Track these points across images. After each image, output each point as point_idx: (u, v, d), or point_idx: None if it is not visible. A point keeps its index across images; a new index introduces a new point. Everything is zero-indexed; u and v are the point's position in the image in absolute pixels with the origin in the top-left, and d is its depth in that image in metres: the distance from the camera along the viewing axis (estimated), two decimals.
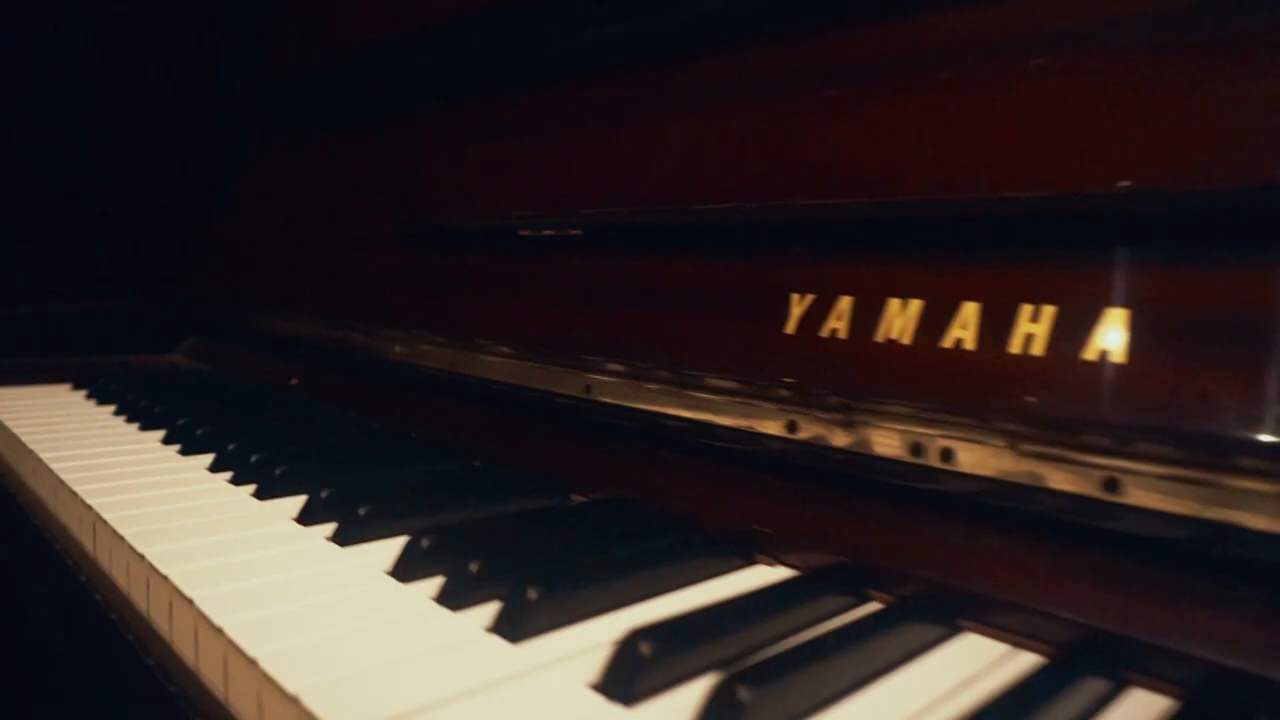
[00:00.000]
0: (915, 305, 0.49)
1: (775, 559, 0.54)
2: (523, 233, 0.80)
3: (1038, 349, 0.44)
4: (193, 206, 1.64)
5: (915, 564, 0.48)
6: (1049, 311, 0.44)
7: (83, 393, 1.09)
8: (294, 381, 1.09)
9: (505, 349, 0.78)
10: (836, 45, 0.63)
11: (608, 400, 0.67)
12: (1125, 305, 0.42)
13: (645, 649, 0.37)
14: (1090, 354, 0.42)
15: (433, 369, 0.88)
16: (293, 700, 0.36)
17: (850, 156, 0.55)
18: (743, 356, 0.58)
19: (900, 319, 0.50)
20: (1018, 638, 0.44)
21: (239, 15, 1.63)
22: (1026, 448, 0.44)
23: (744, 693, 0.33)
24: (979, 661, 0.42)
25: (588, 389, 0.69)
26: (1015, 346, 0.45)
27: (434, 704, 0.35)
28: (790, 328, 0.55)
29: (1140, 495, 0.42)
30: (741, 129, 0.65)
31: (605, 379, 0.68)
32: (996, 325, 0.46)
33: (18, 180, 1.47)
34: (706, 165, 0.66)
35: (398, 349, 0.94)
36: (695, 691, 0.35)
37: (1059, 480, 0.43)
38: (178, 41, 1.64)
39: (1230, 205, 0.41)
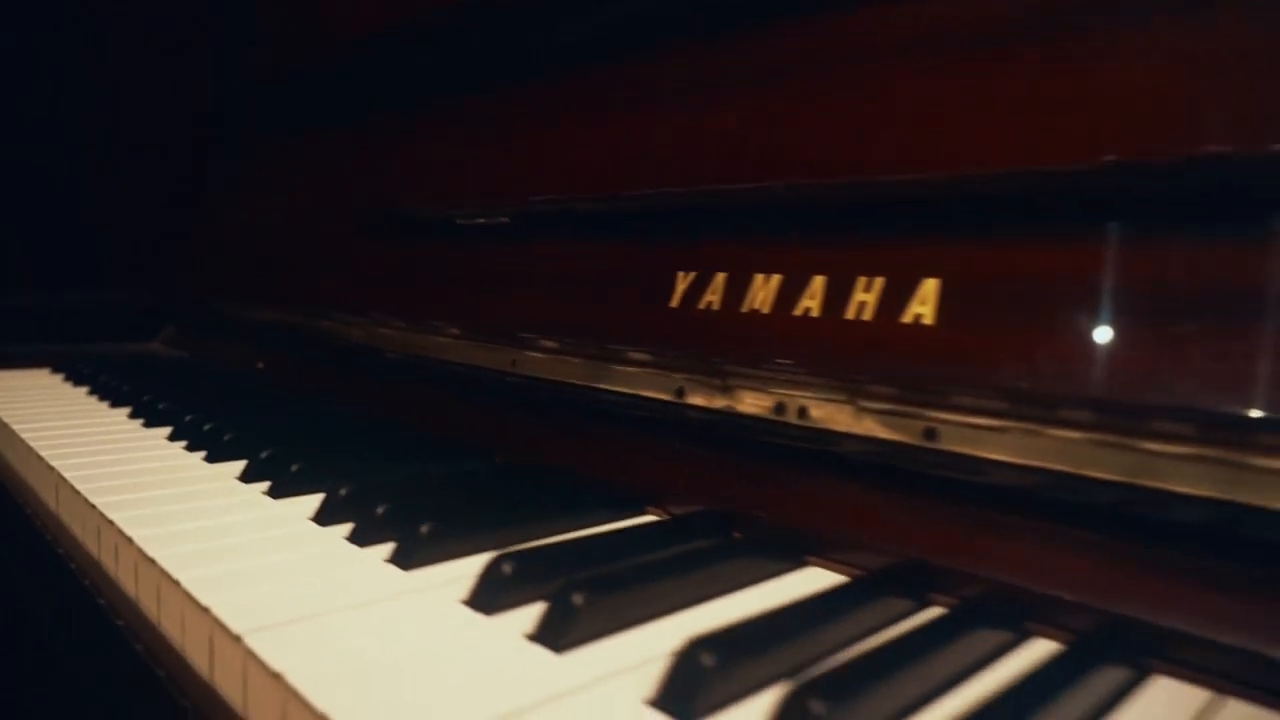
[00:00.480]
0: (775, 279, 0.56)
1: (663, 510, 0.60)
2: (459, 222, 0.87)
3: (868, 315, 0.50)
4: (173, 204, 1.70)
5: (771, 508, 0.54)
6: (879, 282, 0.50)
7: (60, 376, 1.15)
8: (260, 365, 1.16)
9: (454, 330, 0.84)
10: (700, 58, 0.69)
11: (530, 374, 0.74)
12: (939, 276, 0.48)
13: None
14: (909, 318, 0.49)
15: (362, 343, 0.94)
16: (204, 610, 0.42)
17: (722, 152, 0.61)
18: (644, 330, 0.64)
19: (763, 291, 0.56)
20: (851, 569, 0.50)
21: (219, 26, 1.69)
22: (864, 404, 0.51)
23: None
24: (809, 587, 0.48)
25: (514, 363, 0.76)
26: (850, 313, 0.51)
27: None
28: (674, 302, 0.61)
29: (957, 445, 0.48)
30: (637, 129, 0.71)
31: (532, 354, 0.74)
32: (838, 295, 0.52)
33: (5, 180, 1.53)
34: (617, 160, 0.72)
35: (355, 333, 1.00)
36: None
37: (886, 431, 0.49)
38: (162, 49, 1.70)
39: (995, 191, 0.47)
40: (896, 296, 0.49)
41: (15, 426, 0.82)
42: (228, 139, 1.64)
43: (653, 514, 0.60)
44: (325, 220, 1.17)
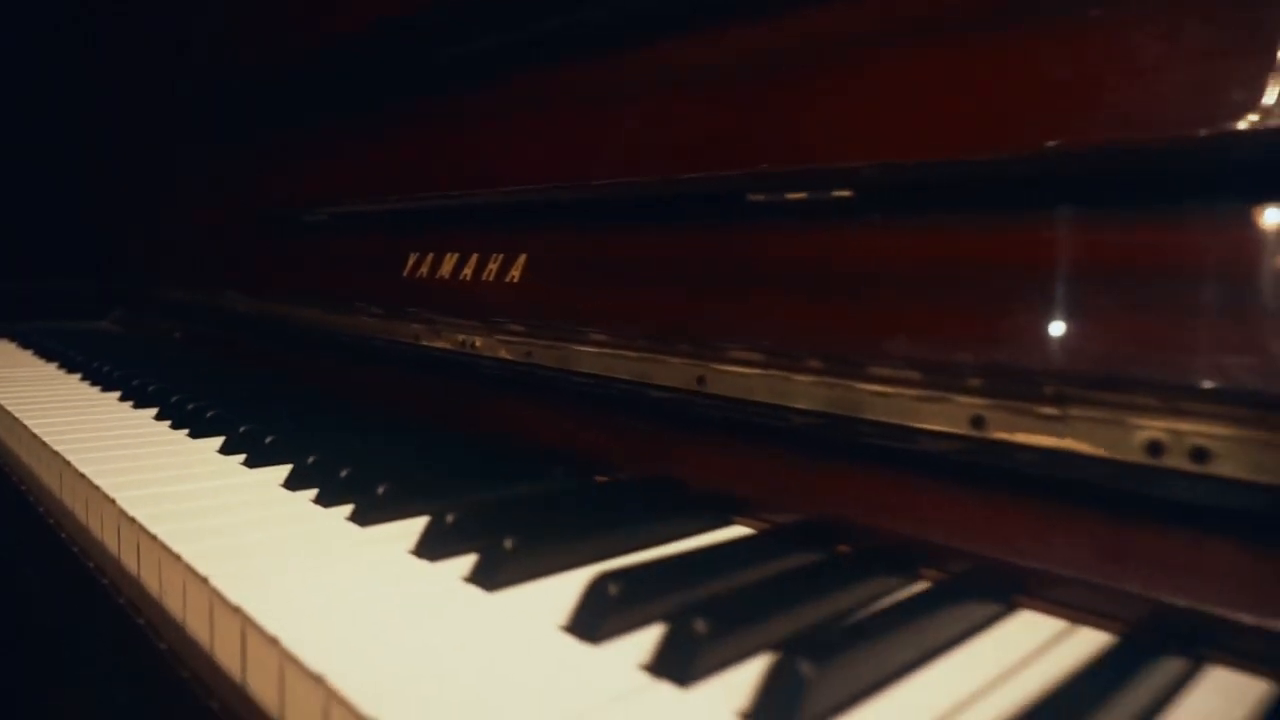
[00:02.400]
0: (455, 256, 0.86)
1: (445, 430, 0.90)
2: (322, 218, 1.16)
3: (490, 278, 0.80)
4: (121, 202, 1.99)
5: (466, 415, 0.84)
6: (499, 256, 0.80)
7: (15, 343, 1.46)
8: (177, 336, 1.46)
9: (316, 306, 1.14)
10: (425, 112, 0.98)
11: (333, 328, 1.04)
12: (526, 252, 0.78)
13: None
14: (508, 280, 0.79)
15: (248, 314, 1.25)
16: (135, 523, 0.72)
17: (431, 170, 0.91)
18: (386, 291, 0.94)
19: (448, 264, 0.86)
20: (513, 438, 0.80)
21: (157, 46, 1.97)
22: (499, 337, 0.81)
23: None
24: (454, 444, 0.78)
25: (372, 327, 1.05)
26: (487, 276, 0.81)
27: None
28: (405, 272, 0.91)
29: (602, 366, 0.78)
30: (394, 152, 1.01)
31: (368, 319, 1.04)
32: (481, 265, 0.82)
33: None
34: (383, 174, 1.01)
35: (240, 307, 1.30)
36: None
37: (509, 354, 0.80)
38: (114, 71, 1.98)
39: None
40: (501, 264, 0.79)
41: None
42: (164, 146, 1.93)
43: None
44: (233, 218, 1.47)
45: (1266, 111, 0.40)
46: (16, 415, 0.92)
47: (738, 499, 0.59)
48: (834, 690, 0.34)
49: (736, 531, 0.57)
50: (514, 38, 0.87)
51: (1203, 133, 0.41)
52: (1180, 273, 0.42)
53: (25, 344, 1.46)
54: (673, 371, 0.64)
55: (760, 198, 0.60)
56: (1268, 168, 0.41)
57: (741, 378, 0.60)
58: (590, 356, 0.71)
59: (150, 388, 0.97)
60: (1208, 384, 0.41)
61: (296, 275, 1.17)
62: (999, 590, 0.46)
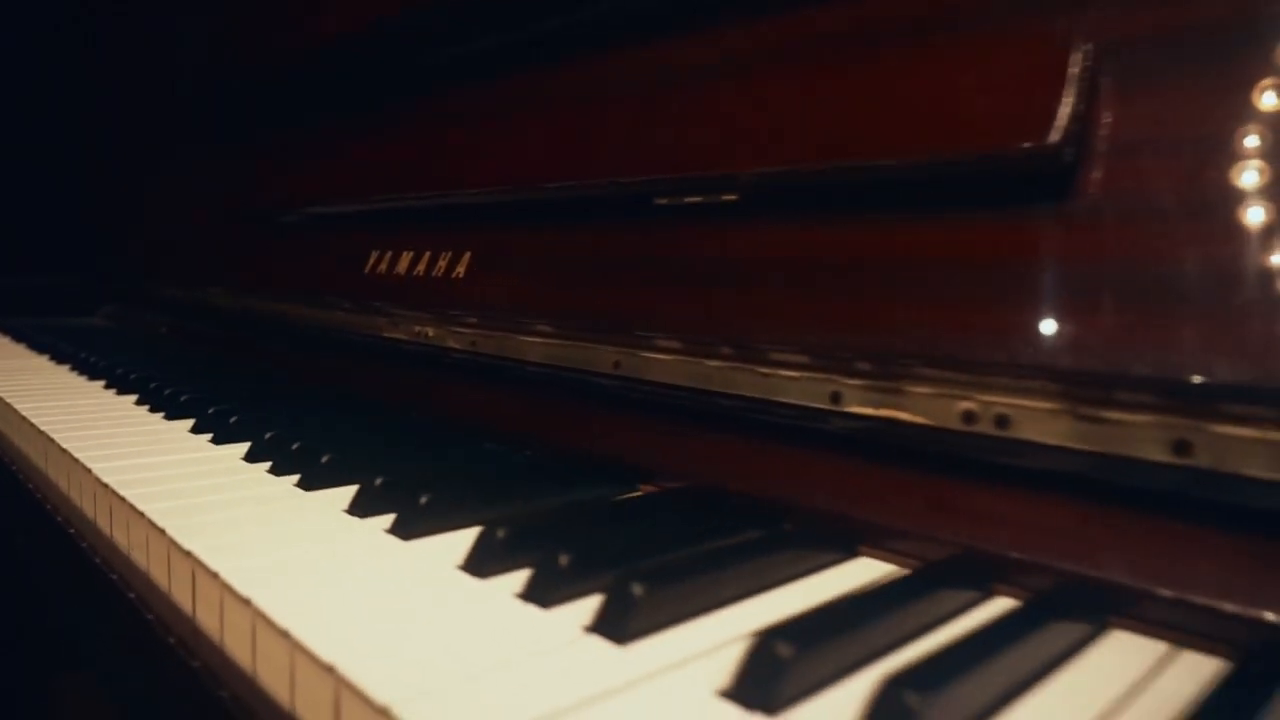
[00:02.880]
0: (409, 254, 0.93)
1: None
2: (296, 218, 1.24)
3: (440, 273, 0.88)
4: (112, 203, 2.07)
5: (419, 398, 0.92)
6: (447, 254, 0.88)
7: (9, 337, 1.53)
8: (164, 330, 1.53)
9: (290, 301, 1.21)
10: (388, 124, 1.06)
11: (310, 321, 1.11)
12: (470, 250, 0.86)
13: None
14: (455, 275, 0.86)
15: (229, 309, 1.32)
16: (109, 489, 0.79)
17: (387, 177, 0.99)
18: (353, 286, 1.01)
19: (404, 261, 0.93)
20: (445, 415, 0.88)
21: (152, 48, 2.04)
22: (453, 329, 0.88)
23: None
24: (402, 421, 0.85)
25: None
26: (437, 272, 0.88)
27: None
28: (366, 269, 0.98)
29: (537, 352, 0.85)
30: (358, 160, 1.08)
31: (337, 314, 1.12)
32: (431, 262, 0.89)
33: None
34: (352, 180, 1.09)
35: (222, 303, 1.37)
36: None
37: (457, 343, 0.87)
38: (106, 80, 2.05)
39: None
40: (449, 261, 0.87)
41: None
42: (151, 147, 2.00)
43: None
44: (214, 217, 1.54)
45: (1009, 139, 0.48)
46: (9, 401, 0.99)
47: (642, 469, 0.66)
48: (662, 610, 0.41)
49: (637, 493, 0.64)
50: (450, 58, 0.95)
51: (1004, 151, 0.49)
52: (977, 266, 0.50)
53: (19, 338, 1.53)
54: (592, 355, 0.72)
55: (664, 200, 0.68)
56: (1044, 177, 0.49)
57: (658, 363, 0.67)
58: (526, 345, 0.79)
59: (131, 376, 1.05)
60: (1008, 362, 0.48)
61: (273, 272, 1.24)
62: (846, 541, 0.53)
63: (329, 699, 0.36)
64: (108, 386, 1.08)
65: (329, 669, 0.36)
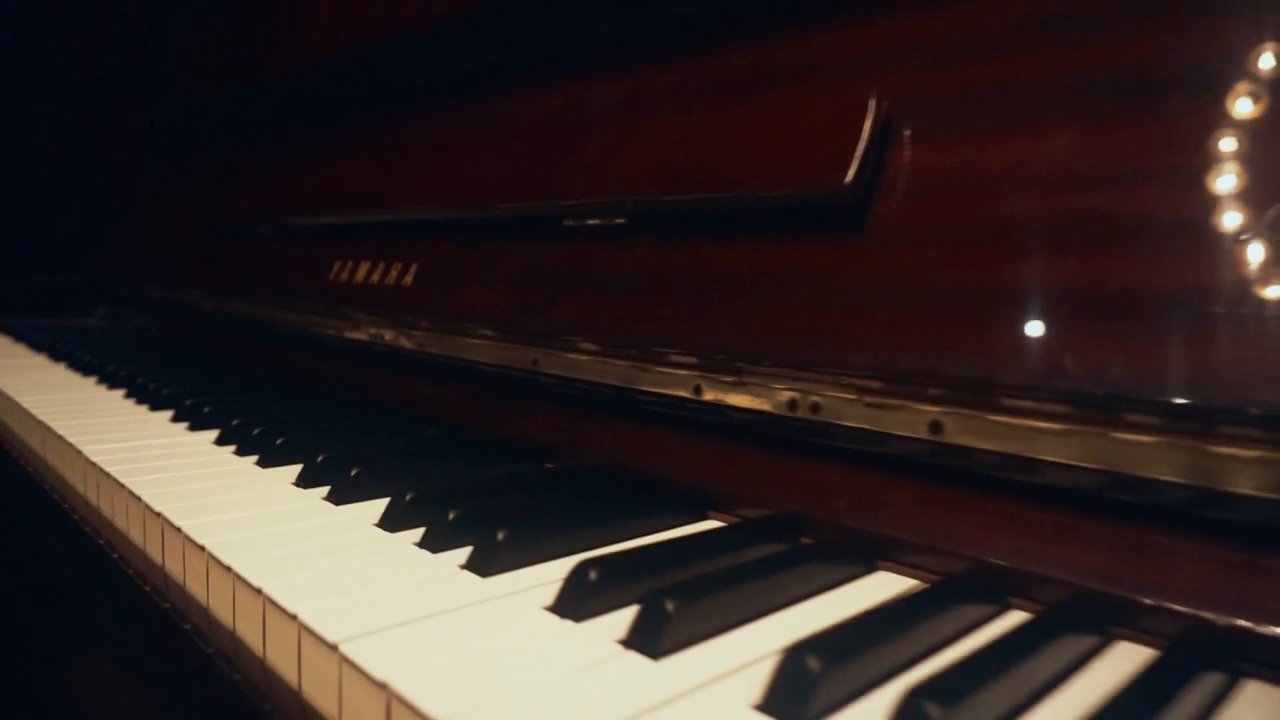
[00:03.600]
0: (367, 264, 1.05)
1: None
2: (268, 230, 1.35)
3: (392, 281, 0.99)
4: (106, 211, 2.18)
5: (381, 389, 1.03)
6: (398, 264, 0.99)
7: (10, 337, 1.65)
8: (154, 330, 1.65)
9: (264, 305, 1.33)
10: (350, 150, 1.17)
11: (274, 320, 1.23)
12: (417, 262, 0.97)
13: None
14: (405, 283, 0.98)
15: (210, 309, 1.44)
16: (96, 467, 0.91)
17: (346, 194, 1.10)
18: (317, 292, 1.13)
19: (362, 270, 1.05)
20: (406, 407, 0.99)
21: (135, 74, 2.16)
22: (405, 330, 1.00)
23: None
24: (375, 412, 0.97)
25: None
26: (389, 281, 1.00)
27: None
28: (330, 276, 1.10)
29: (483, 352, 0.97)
30: (318, 177, 1.20)
31: (305, 316, 1.23)
32: (384, 271, 1.01)
33: None
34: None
35: (205, 304, 1.49)
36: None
37: (409, 343, 0.99)
38: (98, 100, 2.17)
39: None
40: (400, 271, 0.98)
41: None
42: (143, 160, 2.12)
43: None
44: (196, 226, 1.66)
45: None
46: (10, 395, 1.11)
47: (547, 448, 0.78)
48: (516, 554, 0.53)
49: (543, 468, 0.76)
50: (400, 90, 1.06)
51: (809, 188, 0.60)
52: (788, 279, 0.61)
53: (19, 337, 1.65)
54: (510, 354, 0.83)
55: (570, 222, 0.80)
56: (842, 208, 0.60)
57: (563, 360, 0.79)
58: (464, 344, 0.90)
59: (121, 373, 1.16)
60: (821, 359, 0.60)
61: (249, 277, 1.36)
62: (698, 506, 0.65)
63: (291, 636, 0.48)
64: (99, 382, 1.20)
65: (257, 591, 0.48)
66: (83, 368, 1.29)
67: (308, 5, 1.32)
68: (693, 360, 0.68)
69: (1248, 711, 0.39)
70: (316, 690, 0.43)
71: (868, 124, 0.59)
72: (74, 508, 0.85)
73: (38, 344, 1.55)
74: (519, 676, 0.38)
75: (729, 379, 0.65)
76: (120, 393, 1.11)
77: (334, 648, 0.41)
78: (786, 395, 0.62)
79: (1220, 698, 0.40)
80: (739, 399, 0.65)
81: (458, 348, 0.92)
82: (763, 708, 0.36)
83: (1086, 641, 0.44)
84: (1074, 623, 0.45)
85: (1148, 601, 0.45)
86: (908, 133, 0.60)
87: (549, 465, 0.77)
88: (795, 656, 0.37)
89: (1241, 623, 0.43)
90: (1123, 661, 0.44)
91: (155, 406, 1.00)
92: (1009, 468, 0.52)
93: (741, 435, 0.66)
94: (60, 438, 0.86)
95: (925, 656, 0.43)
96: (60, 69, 2.15)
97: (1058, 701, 0.39)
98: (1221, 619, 0.43)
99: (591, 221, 0.78)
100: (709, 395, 0.67)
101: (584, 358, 0.77)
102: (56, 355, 1.43)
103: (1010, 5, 0.59)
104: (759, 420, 0.64)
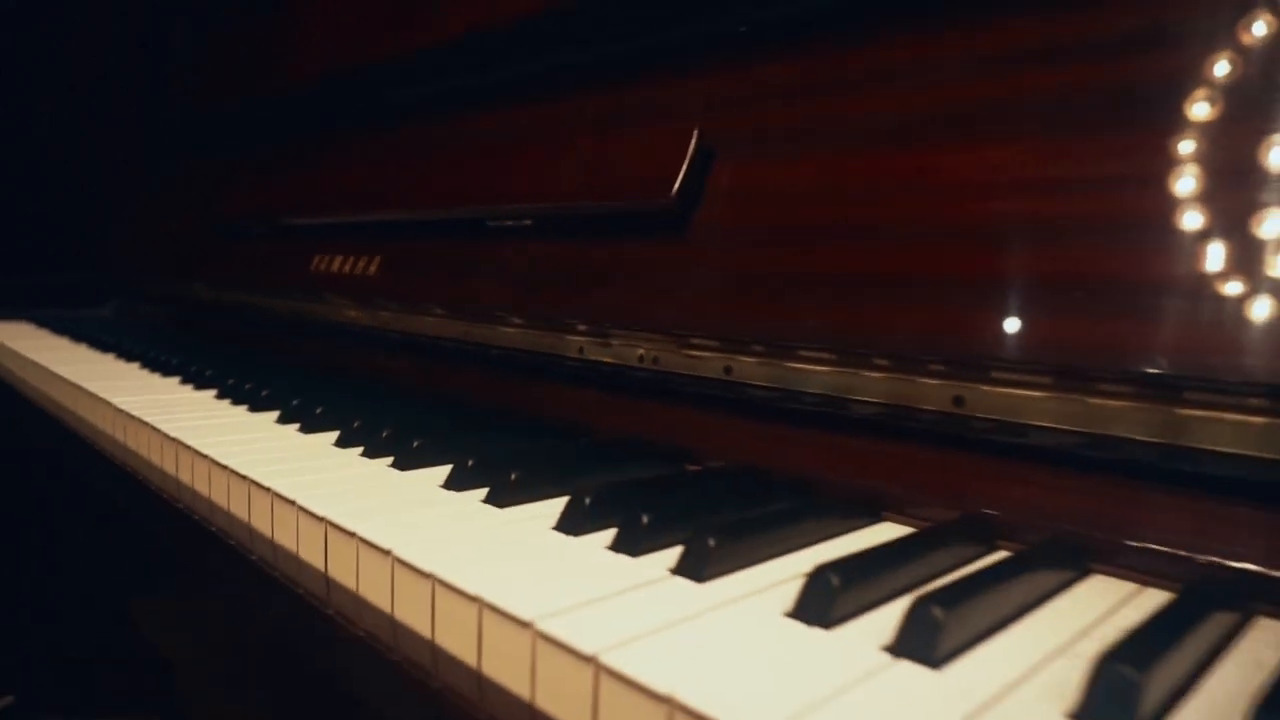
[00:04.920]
0: (340, 257, 1.27)
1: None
2: (260, 229, 1.57)
3: (362, 272, 1.21)
4: (117, 211, 2.40)
5: (357, 363, 1.25)
6: (365, 257, 1.21)
7: (34, 324, 1.87)
8: (160, 318, 1.87)
9: (255, 294, 1.55)
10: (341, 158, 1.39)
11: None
12: (380, 255, 1.19)
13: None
14: (371, 273, 1.20)
15: (208, 301, 1.66)
16: (121, 411, 1.13)
17: (327, 197, 1.32)
18: (302, 281, 1.35)
19: (337, 262, 1.27)
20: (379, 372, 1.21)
21: (139, 83, 2.37)
22: (377, 310, 1.22)
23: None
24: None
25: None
26: (357, 271, 1.22)
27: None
28: (312, 268, 1.32)
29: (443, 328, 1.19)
30: (311, 182, 1.42)
31: (290, 303, 1.45)
32: (356, 263, 1.23)
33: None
34: (327, 192, 1.43)
35: (204, 295, 1.71)
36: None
37: (371, 320, 1.21)
38: (103, 110, 2.39)
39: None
40: (364, 263, 1.20)
41: (14, 347, 1.53)
42: (147, 166, 2.34)
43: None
44: (197, 226, 1.88)
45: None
46: (47, 366, 1.33)
47: (483, 404, 1.00)
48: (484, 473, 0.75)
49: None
50: (368, 112, 1.28)
51: (645, 200, 0.82)
52: (638, 267, 0.83)
53: (42, 324, 1.87)
54: (446, 326, 1.06)
55: (495, 223, 1.02)
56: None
57: (493, 332, 1.01)
58: (420, 321, 1.13)
59: (135, 350, 1.39)
60: (656, 324, 0.82)
61: (243, 270, 1.58)
62: (583, 433, 0.87)
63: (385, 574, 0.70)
64: (118, 358, 1.42)
65: (354, 537, 0.70)
66: (100, 347, 1.51)
67: (293, 33, 1.54)
68: (583, 328, 0.90)
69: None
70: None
71: (690, 151, 0.81)
72: (102, 450, 1.07)
73: (60, 330, 1.77)
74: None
75: (600, 341, 0.87)
76: (135, 365, 1.33)
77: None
78: (639, 352, 0.84)
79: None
80: (608, 357, 0.87)
81: (414, 325, 1.14)
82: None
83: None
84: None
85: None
86: (721, 158, 0.82)
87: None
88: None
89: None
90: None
91: (166, 374, 1.23)
92: (783, 399, 0.74)
93: (608, 383, 0.88)
94: (92, 394, 1.08)
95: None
96: (68, 86, 2.37)
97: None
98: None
99: (507, 223, 1.00)
100: (591, 355, 0.89)
101: (507, 329, 0.99)
102: (77, 337, 1.65)
103: (791, 70, 0.80)
104: (620, 370, 0.86)
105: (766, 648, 0.41)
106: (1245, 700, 0.39)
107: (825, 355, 0.70)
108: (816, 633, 0.43)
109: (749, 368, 0.75)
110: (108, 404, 1.02)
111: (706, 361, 0.78)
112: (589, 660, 0.39)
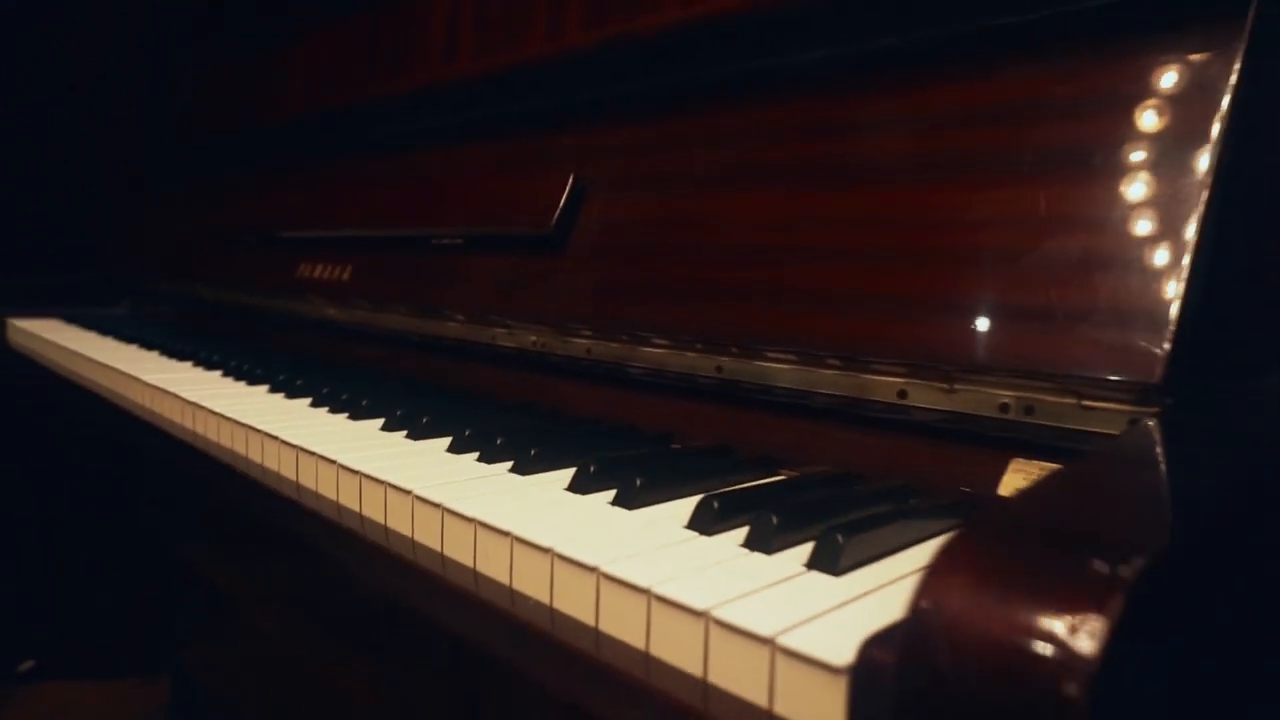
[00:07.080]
0: (323, 265, 1.57)
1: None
2: (256, 239, 1.88)
3: (335, 278, 1.52)
4: (130, 216, 2.70)
5: (355, 354, 1.56)
6: (338, 266, 1.52)
7: (61, 320, 2.18)
8: (170, 316, 2.18)
9: (253, 295, 1.85)
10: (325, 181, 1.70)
11: (262, 305, 1.76)
12: (353, 265, 1.50)
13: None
14: (343, 278, 1.50)
15: (212, 300, 1.96)
16: (150, 386, 1.43)
17: (312, 214, 1.63)
18: (292, 286, 1.65)
19: (319, 269, 1.58)
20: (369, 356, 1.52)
21: (148, 101, 2.67)
22: (351, 310, 1.52)
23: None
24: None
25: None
26: (332, 277, 1.53)
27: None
28: (299, 274, 1.63)
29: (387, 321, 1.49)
30: (308, 198, 1.72)
31: (280, 303, 1.76)
32: (333, 271, 1.53)
33: (16, 204, 2.54)
34: (310, 208, 1.73)
35: (207, 296, 2.02)
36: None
37: (342, 314, 1.51)
38: (115, 131, 2.69)
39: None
40: (340, 270, 1.51)
41: (48, 336, 1.84)
42: (157, 180, 2.64)
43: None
44: (201, 234, 2.18)
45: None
46: (80, 352, 1.63)
47: (431, 381, 1.31)
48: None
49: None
50: (346, 141, 1.59)
51: (529, 226, 1.13)
52: (532, 278, 1.14)
53: (70, 321, 2.18)
54: (405, 322, 1.36)
55: (436, 241, 1.32)
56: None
57: (442, 326, 1.32)
58: (382, 319, 1.43)
59: (154, 340, 1.69)
60: (542, 318, 1.13)
61: (240, 274, 1.89)
62: (485, 402, 1.18)
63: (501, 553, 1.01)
64: (140, 348, 1.73)
65: (472, 522, 1.01)
66: (124, 338, 1.81)
67: (282, 72, 1.85)
68: (508, 323, 1.20)
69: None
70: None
71: (567, 190, 1.12)
72: (136, 416, 1.37)
73: (87, 325, 2.08)
74: None
75: (505, 331, 1.18)
76: (155, 353, 1.64)
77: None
78: (531, 339, 1.15)
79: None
80: (511, 342, 1.18)
81: (380, 321, 1.45)
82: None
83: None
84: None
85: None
86: (590, 195, 1.13)
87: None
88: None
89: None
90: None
91: (183, 359, 1.54)
92: (609, 367, 1.04)
93: (512, 362, 1.19)
94: (125, 374, 1.38)
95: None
96: (85, 113, 2.67)
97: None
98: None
99: (444, 241, 1.31)
100: (504, 342, 1.20)
101: (451, 324, 1.30)
102: (102, 330, 1.96)
103: (644, 132, 1.11)
104: (517, 353, 1.17)
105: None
106: None
107: (663, 341, 1.01)
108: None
109: (610, 350, 1.06)
110: (139, 380, 1.32)
111: (576, 345, 1.09)
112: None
